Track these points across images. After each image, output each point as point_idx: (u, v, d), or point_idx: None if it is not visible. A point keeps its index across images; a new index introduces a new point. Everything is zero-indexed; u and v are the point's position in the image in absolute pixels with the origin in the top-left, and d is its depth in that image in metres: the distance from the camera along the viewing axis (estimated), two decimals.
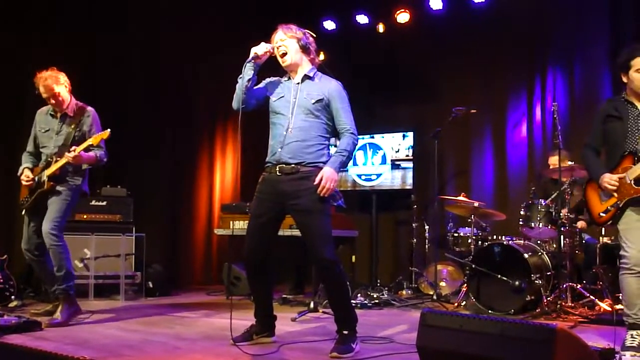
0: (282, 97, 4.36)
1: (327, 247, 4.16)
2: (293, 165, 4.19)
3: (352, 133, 4.27)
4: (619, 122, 4.39)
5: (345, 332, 4.17)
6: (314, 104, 4.26)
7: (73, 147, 5.20)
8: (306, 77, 4.35)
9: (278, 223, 4.39)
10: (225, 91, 9.37)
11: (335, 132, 4.38)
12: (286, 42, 4.32)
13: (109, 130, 5.26)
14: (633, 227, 4.26)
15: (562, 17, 8.08)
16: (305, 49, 4.35)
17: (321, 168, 4.16)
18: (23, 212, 5.48)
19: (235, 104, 4.37)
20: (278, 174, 4.23)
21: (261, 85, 4.48)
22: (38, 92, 5.39)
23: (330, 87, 4.32)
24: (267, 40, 4.38)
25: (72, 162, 5.20)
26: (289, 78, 4.43)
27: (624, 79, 4.42)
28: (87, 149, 5.24)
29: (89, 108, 5.53)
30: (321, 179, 4.09)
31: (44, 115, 5.55)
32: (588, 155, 4.59)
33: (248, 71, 4.29)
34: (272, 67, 4.48)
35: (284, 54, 4.32)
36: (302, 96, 4.29)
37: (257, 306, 4.51)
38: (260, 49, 4.29)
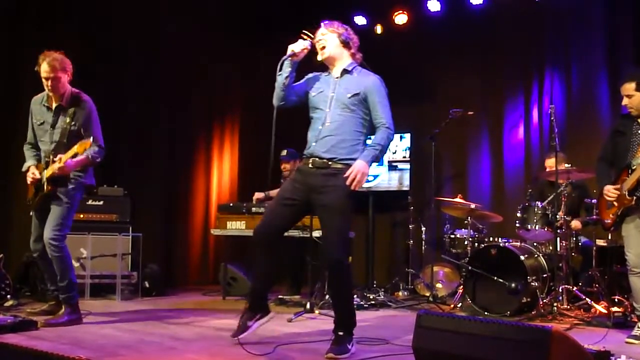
0: (322, 92, 4.36)
1: (340, 247, 4.12)
2: (325, 160, 4.19)
3: (388, 127, 4.27)
4: (622, 137, 4.92)
5: (341, 333, 4.15)
6: (349, 98, 4.25)
7: (59, 157, 5.00)
8: (345, 71, 4.36)
9: (300, 213, 4.38)
10: (223, 90, 9.46)
11: (372, 128, 4.36)
12: (327, 36, 4.36)
13: (90, 139, 4.97)
14: (631, 234, 4.86)
15: (560, 19, 8.10)
16: (345, 44, 4.39)
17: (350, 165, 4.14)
18: (31, 213, 5.36)
19: (275, 101, 4.36)
20: (310, 166, 4.23)
21: (302, 81, 4.47)
22: (37, 69, 5.14)
23: (367, 82, 4.30)
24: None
25: (59, 173, 5.04)
26: (329, 73, 4.44)
27: None
28: (76, 142, 5.03)
29: (85, 98, 5.30)
30: (352, 172, 4.06)
31: (38, 105, 5.34)
32: (599, 166, 5.15)
33: (286, 68, 4.30)
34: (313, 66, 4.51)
35: (323, 47, 4.35)
36: (340, 90, 4.29)
37: (254, 285, 4.46)
38: (297, 47, 4.30)
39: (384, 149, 4.25)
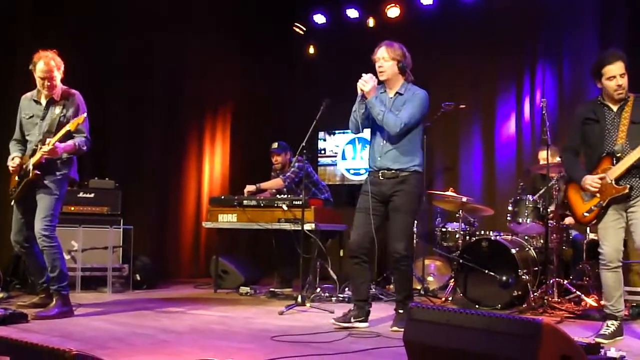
0: None
1: (403, 242, 4.87)
2: (394, 171, 4.89)
3: (402, 120, 4.81)
4: (596, 124, 4.62)
5: (401, 311, 4.83)
6: None
7: (48, 140, 5.03)
8: (397, 93, 4.98)
9: (383, 219, 4.99)
10: (214, 82, 9.44)
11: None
12: (388, 64, 4.93)
13: (84, 115, 5.14)
14: (609, 226, 4.56)
15: (552, 13, 8.12)
16: (402, 70, 4.96)
17: (415, 171, 4.91)
18: (12, 203, 5.38)
19: (353, 130, 5.06)
20: (381, 178, 4.93)
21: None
22: (31, 68, 5.19)
23: (412, 94, 4.94)
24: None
25: (49, 156, 5.04)
26: (385, 90, 5.04)
27: (598, 85, 4.63)
28: (66, 138, 5.10)
29: (74, 91, 5.38)
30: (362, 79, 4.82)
31: (27, 100, 5.38)
32: (568, 158, 4.83)
33: (360, 106, 4.93)
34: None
35: (382, 74, 4.93)
36: (394, 110, 4.89)
37: (354, 293, 5.08)
38: (367, 86, 4.85)
39: (380, 114, 4.82)
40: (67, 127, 5.07)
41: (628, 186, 4.42)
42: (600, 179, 4.49)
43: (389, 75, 4.93)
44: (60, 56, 5.34)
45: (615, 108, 4.57)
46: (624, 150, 4.46)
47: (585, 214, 4.65)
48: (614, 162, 4.48)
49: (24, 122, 5.39)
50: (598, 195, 4.53)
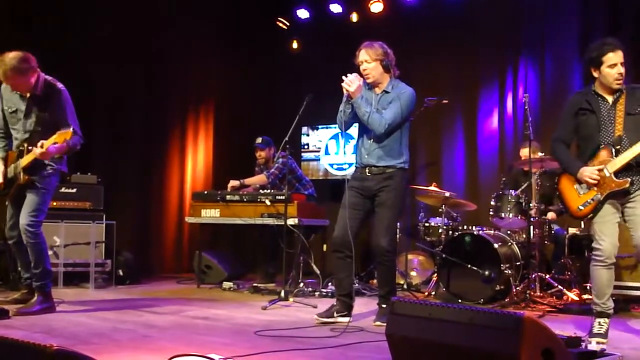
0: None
1: (387, 237, 4.92)
2: (380, 167, 4.94)
3: (386, 121, 4.82)
4: (591, 115, 4.40)
5: (384, 305, 4.87)
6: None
7: (41, 142, 4.86)
8: (384, 91, 4.99)
9: (368, 215, 5.08)
10: (197, 77, 9.40)
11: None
12: (371, 65, 4.92)
13: (71, 129, 4.86)
14: (608, 221, 4.32)
15: (534, 8, 8.15)
16: (387, 69, 4.97)
17: (401, 168, 4.94)
18: (6, 203, 5.27)
19: (341, 128, 5.09)
20: (367, 174, 4.99)
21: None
22: None
23: (399, 92, 4.94)
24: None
25: (40, 158, 4.93)
26: (372, 87, 5.03)
27: (595, 74, 4.39)
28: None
29: (59, 86, 5.17)
30: (347, 78, 4.82)
31: (9, 92, 5.16)
32: (559, 149, 4.56)
33: (346, 106, 4.93)
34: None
35: (368, 76, 4.94)
36: (380, 108, 4.92)
37: (338, 287, 5.10)
38: (352, 87, 4.83)
39: (365, 113, 4.85)
40: (54, 139, 4.83)
41: (629, 180, 4.22)
42: (599, 170, 4.29)
43: (375, 76, 4.94)
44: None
45: (610, 99, 4.37)
46: (622, 142, 4.28)
47: (581, 207, 4.41)
48: (614, 154, 4.28)
49: (6, 114, 5.22)
50: (595, 188, 4.32)
